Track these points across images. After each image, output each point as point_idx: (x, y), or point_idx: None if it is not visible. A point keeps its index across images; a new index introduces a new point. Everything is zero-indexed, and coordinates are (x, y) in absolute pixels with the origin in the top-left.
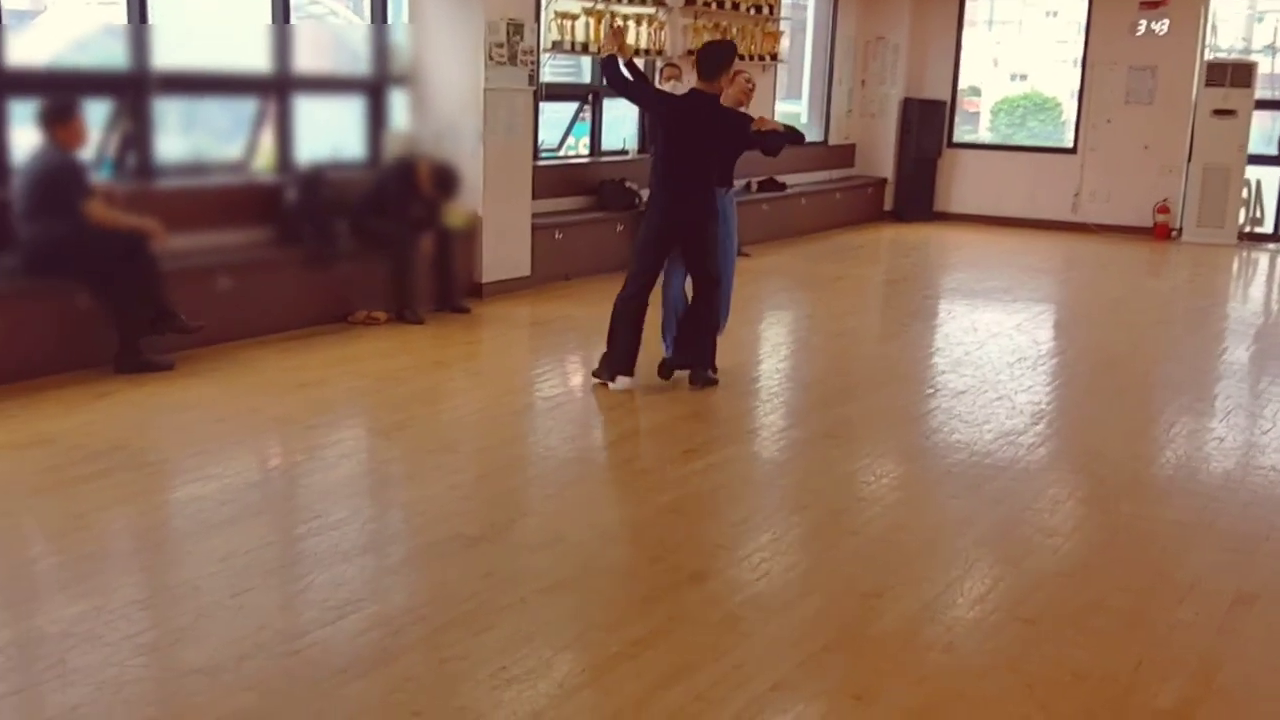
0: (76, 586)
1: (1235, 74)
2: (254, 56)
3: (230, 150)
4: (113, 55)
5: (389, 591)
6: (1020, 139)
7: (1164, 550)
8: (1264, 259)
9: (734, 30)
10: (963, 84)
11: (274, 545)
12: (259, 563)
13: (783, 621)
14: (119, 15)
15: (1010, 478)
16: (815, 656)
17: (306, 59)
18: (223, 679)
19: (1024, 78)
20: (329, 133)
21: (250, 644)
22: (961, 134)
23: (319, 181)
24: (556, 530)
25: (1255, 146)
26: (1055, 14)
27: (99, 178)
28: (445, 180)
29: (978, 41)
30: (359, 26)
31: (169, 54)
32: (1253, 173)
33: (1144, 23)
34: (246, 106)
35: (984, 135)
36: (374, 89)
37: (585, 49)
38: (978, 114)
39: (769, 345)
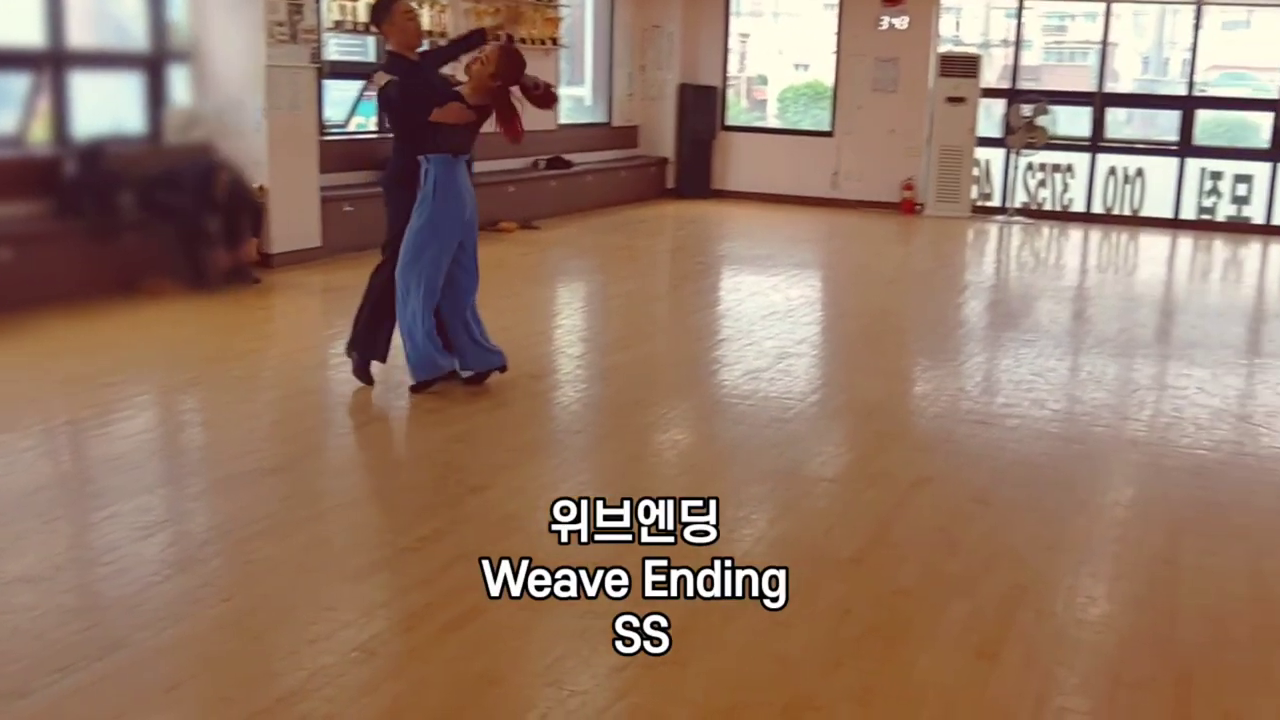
0: None
1: (964, 65)
2: (26, 30)
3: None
4: None
5: (192, 514)
6: (805, 125)
7: (866, 449)
8: (992, 229)
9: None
10: (751, 72)
11: (79, 481)
12: (66, 495)
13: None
14: None
15: (750, 404)
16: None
17: (81, 33)
18: (43, 585)
19: (806, 67)
20: (108, 107)
21: (65, 559)
22: (751, 119)
23: (99, 155)
24: (350, 460)
25: (983, 130)
26: (831, 6)
27: None
28: (240, 202)
29: (764, 32)
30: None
31: None
32: (982, 154)
33: (886, 19)
34: (20, 80)
35: (772, 121)
36: (153, 65)
37: (368, 28)
38: (766, 101)
39: (556, 305)
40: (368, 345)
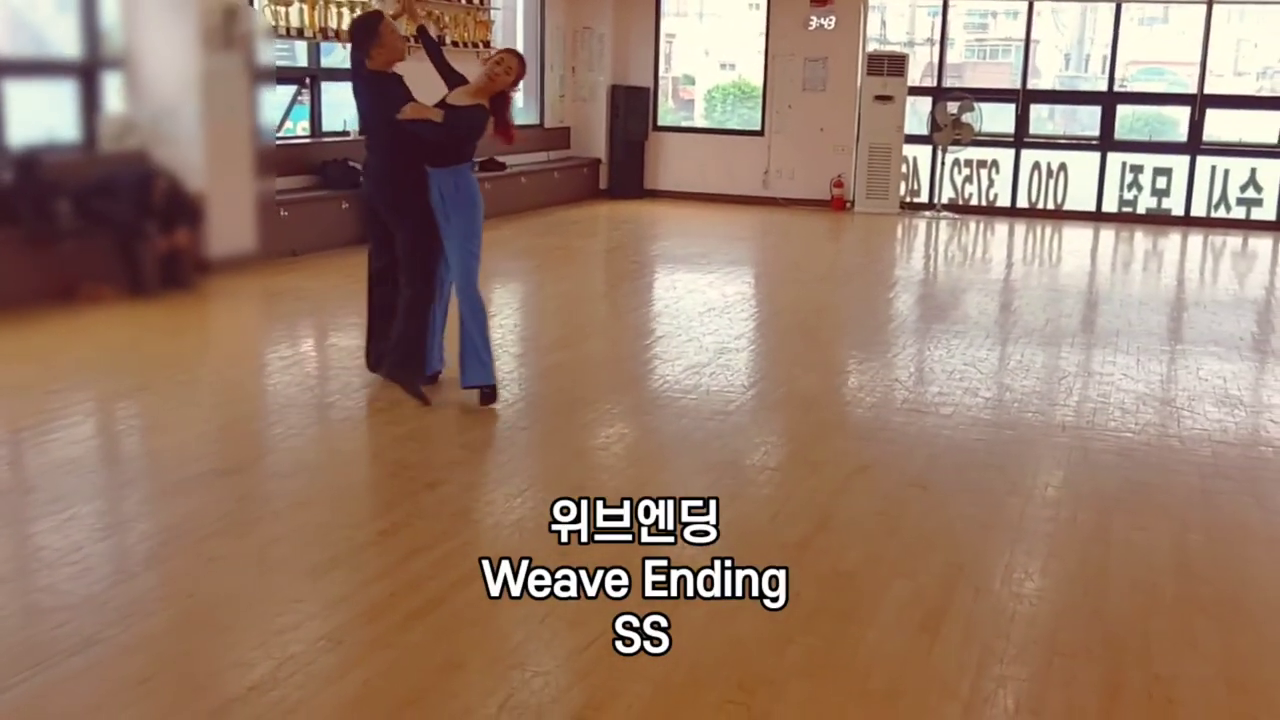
0: None
1: (891, 64)
2: None
3: None
4: None
5: (151, 515)
6: (732, 124)
7: (806, 439)
8: (921, 224)
9: (446, 19)
10: (677, 72)
11: (36, 486)
12: (23, 502)
13: (505, 509)
14: None
15: (693, 399)
16: (518, 530)
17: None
18: (9, 586)
19: (732, 67)
20: (41, 115)
21: (31, 560)
22: (678, 119)
23: (34, 164)
24: (302, 461)
25: (910, 128)
26: (757, 7)
27: None
28: (178, 207)
29: (690, 32)
30: (68, 9)
31: None
32: (909, 151)
33: (815, 18)
34: None
35: (700, 121)
36: (86, 72)
37: (300, 34)
38: (693, 101)
39: (494, 306)
40: (419, 366)
